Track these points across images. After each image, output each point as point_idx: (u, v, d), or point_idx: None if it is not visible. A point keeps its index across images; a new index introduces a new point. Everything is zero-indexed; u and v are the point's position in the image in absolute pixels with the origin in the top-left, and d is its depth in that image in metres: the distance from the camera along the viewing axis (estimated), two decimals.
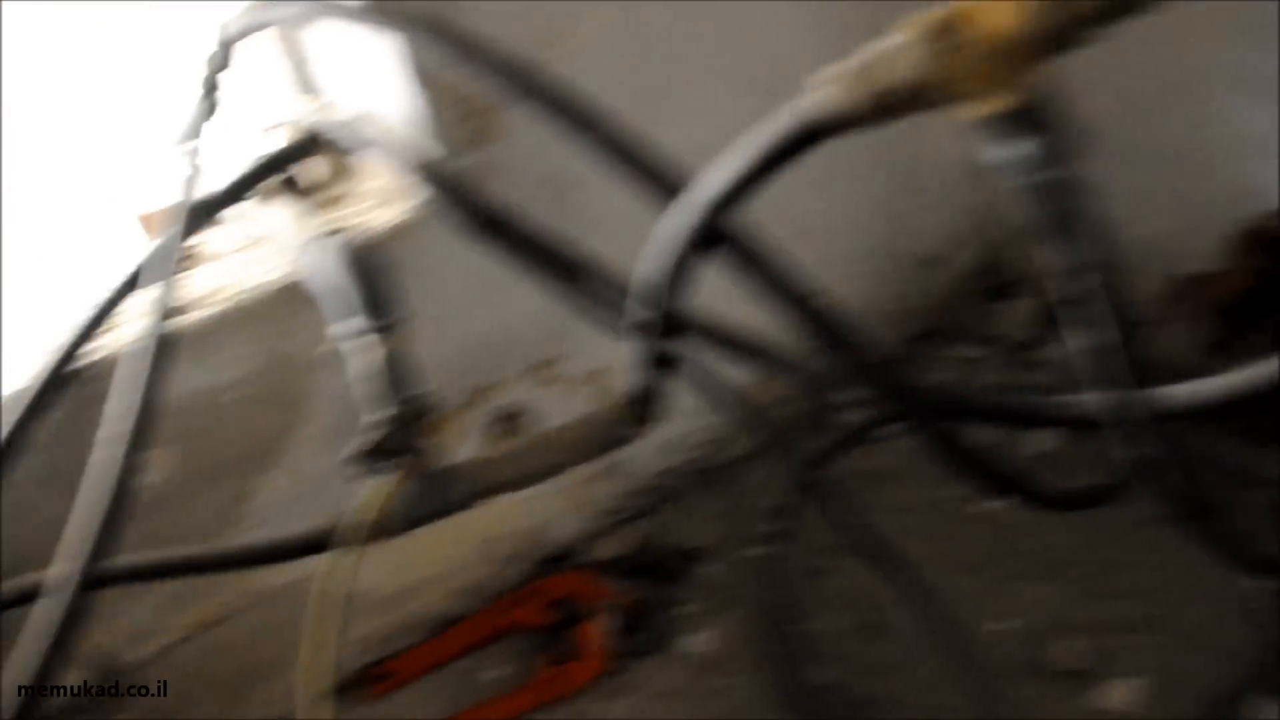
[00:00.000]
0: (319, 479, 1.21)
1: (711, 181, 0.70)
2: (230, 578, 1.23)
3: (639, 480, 1.58)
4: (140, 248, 1.44)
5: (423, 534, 1.04)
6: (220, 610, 1.25)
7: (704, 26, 1.35)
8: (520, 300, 1.29)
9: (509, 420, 1.12)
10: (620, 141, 0.83)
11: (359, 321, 0.94)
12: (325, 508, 1.21)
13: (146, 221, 1.47)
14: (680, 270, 0.80)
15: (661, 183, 0.82)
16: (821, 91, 0.59)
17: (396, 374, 0.95)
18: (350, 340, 0.95)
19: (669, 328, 0.91)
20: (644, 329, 0.89)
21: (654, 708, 1.36)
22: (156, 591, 1.20)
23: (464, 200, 1.03)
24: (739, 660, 1.40)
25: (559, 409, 1.37)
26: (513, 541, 1.42)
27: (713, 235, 0.78)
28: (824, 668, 1.37)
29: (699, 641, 1.44)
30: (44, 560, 1.11)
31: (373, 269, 0.94)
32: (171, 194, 1.46)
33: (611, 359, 1.40)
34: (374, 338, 0.94)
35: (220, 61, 1.08)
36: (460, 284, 1.23)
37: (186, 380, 1.07)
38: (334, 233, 0.98)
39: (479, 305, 1.25)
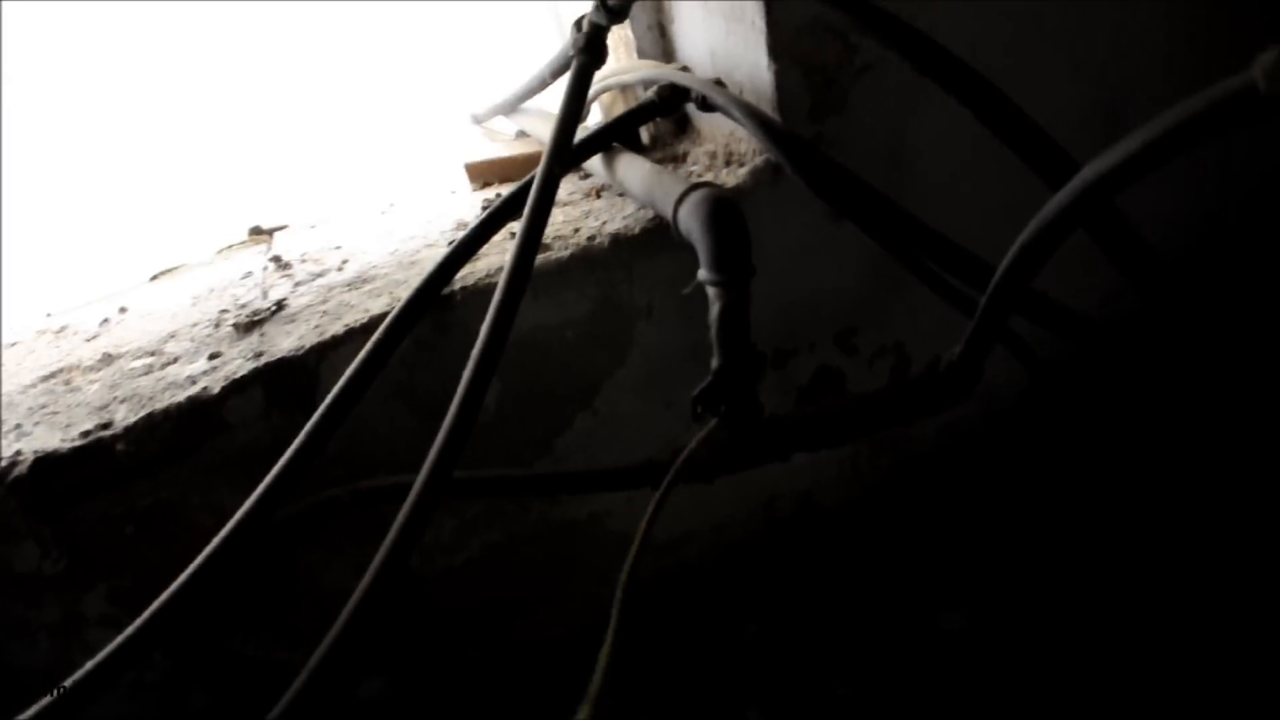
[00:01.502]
0: (628, 420, 1.28)
1: (1107, 160, 0.70)
2: (523, 509, 1.32)
3: (912, 456, 1.58)
4: (464, 195, 1.57)
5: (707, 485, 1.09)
6: (507, 537, 1.34)
7: (1056, 6, 1.33)
8: (831, 270, 1.32)
9: (818, 383, 1.15)
10: (1006, 112, 0.83)
11: (706, 273, 0.99)
12: (631, 447, 1.30)
13: (472, 170, 1.59)
14: (1048, 248, 0.81)
15: (1044, 161, 0.83)
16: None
17: (734, 327, 1.00)
18: (701, 289, 1.00)
19: (1016, 303, 0.92)
20: (996, 301, 0.89)
21: None
22: (458, 513, 1.30)
23: (816, 165, 1.07)
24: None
25: (859, 376, 1.39)
26: (790, 502, 1.45)
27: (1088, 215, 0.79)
28: None
29: None
30: (377, 465, 1.23)
31: (725, 224, 0.99)
32: (527, 139, 1.56)
33: (908, 333, 1.41)
34: (719, 290, 0.99)
35: (603, 19, 1.14)
36: (779, 248, 1.26)
37: (524, 315, 1.14)
38: (695, 187, 1.03)
39: (794, 270, 1.28)
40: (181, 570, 1.16)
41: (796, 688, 1.25)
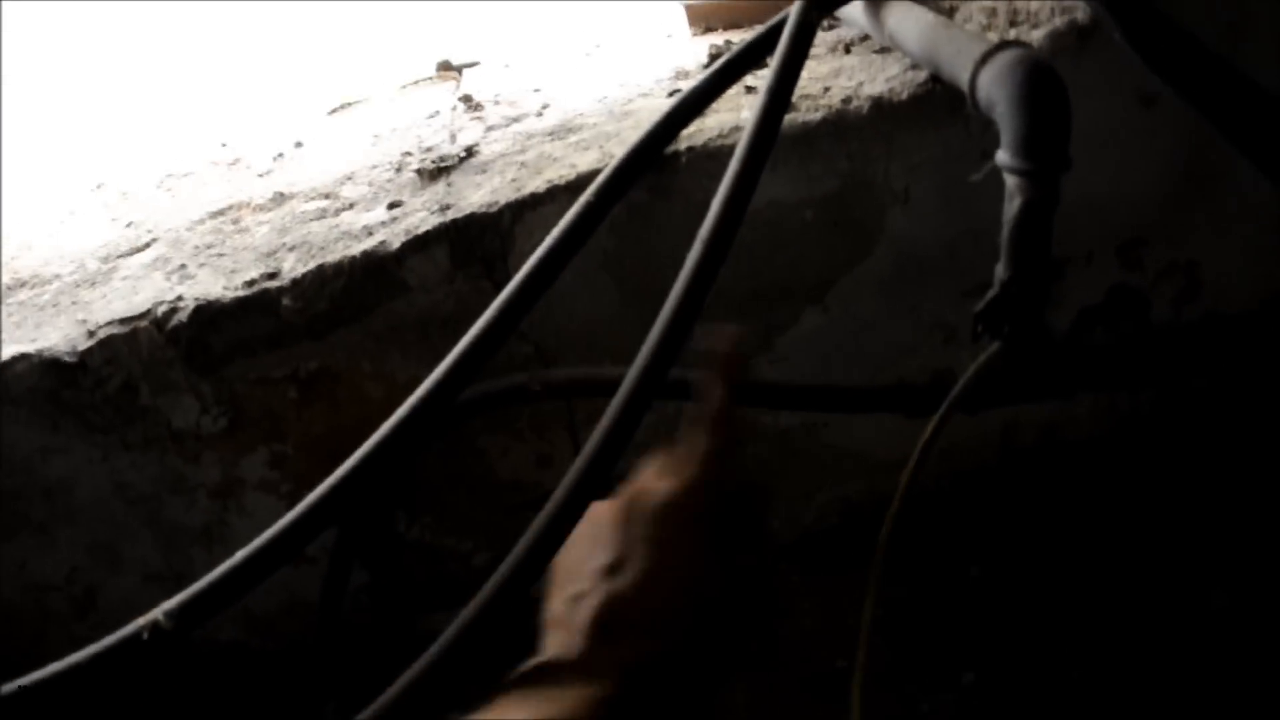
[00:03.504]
0: (864, 323, 1.09)
1: None
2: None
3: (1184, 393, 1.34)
4: (682, 40, 1.37)
5: None
6: None
7: None
8: (1131, 166, 1.08)
9: (1115, 304, 0.94)
10: None
11: (1010, 158, 0.78)
12: (863, 354, 1.11)
13: (693, 12, 1.38)
14: None
15: None
16: None
17: (1035, 231, 0.79)
18: (994, 177, 0.79)
19: None
20: None
21: None
22: (657, 409, 1.14)
23: (1150, 25, 0.84)
24: None
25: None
26: (1031, 433, 1.24)
27: None
28: None
29: None
30: (571, 344, 1.08)
31: (1045, 98, 0.77)
32: None
33: (1206, 253, 1.16)
34: (1024, 181, 0.78)
35: None
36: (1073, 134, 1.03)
37: (759, 188, 0.95)
38: (1004, 46, 0.81)
39: (1087, 162, 1.04)
40: (347, 441, 1.04)
41: (1021, 651, 1.07)
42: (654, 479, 0.66)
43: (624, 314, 1.04)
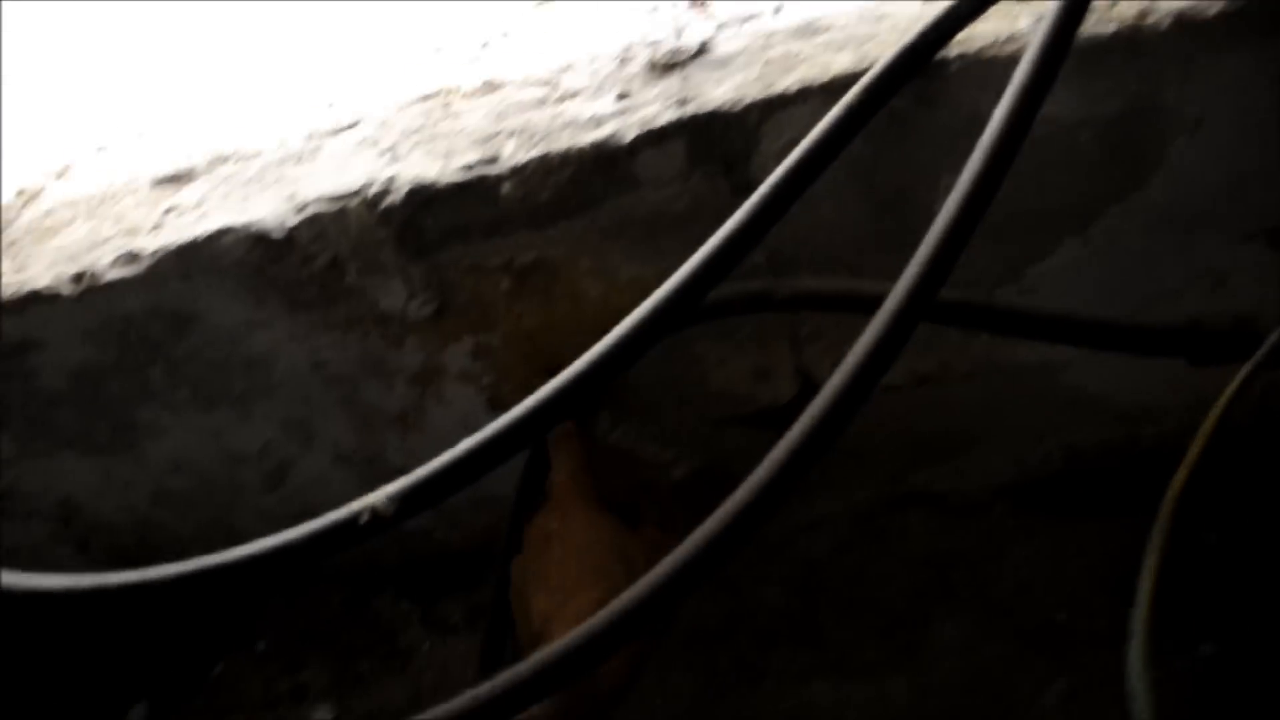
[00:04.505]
0: (1126, 259, 1.01)
1: None
2: (966, 340, 1.09)
3: None
4: None
5: None
6: (940, 369, 1.11)
7: None
8: None
9: None
10: None
11: None
12: (1118, 295, 1.03)
13: None
14: None
15: None
16: None
17: None
18: None
19: None
20: None
21: None
22: None
23: None
24: None
25: None
26: None
27: None
28: None
29: None
30: (807, 255, 1.02)
31: None
32: None
33: None
34: None
35: None
36: None
37: None
38: None
39: None
40: (557, 337, 1.02)
41: (1266, 629, 1.00)
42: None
43: (869, 227, 0.98)
